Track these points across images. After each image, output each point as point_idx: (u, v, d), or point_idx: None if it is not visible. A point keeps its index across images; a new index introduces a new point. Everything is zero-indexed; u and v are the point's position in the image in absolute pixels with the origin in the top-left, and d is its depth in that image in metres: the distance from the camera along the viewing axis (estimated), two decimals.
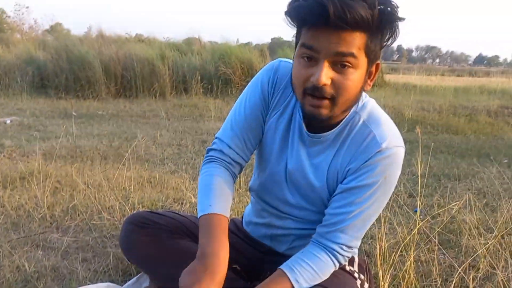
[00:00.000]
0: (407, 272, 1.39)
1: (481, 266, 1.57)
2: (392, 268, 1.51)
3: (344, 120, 1.08)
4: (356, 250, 1.32)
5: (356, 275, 1.21)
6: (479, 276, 1.53)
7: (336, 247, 1.10)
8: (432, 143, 4.93)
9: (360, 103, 1.09)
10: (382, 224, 1.54)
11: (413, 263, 1.52)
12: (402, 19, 0.94)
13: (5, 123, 4.65)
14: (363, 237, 1.96)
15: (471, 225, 1.93)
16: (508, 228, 1.83)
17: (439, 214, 2.25)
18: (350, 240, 1.11)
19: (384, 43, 0.97)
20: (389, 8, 0.92)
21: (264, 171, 1.23)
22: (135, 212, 1.42)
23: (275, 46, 14.03)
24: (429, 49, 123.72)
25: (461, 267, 1.47)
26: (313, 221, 1.17)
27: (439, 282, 1.51)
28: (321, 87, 0.95)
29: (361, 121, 1.08)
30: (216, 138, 1.21)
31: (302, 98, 1.01)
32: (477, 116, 6.77)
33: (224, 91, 8.10)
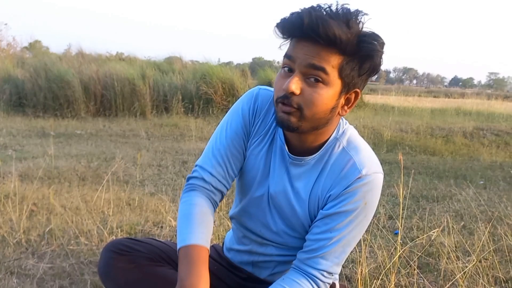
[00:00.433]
0: None
1: None
2: None
3: (324, 146, 1.09)
4: (337, 276, 1.33)
5: None
6: None
7: (316, 273, 1.10)
8: (411, 164, 5.05)
9: (341, 130, 1.11)
10: (363, 249, 1.55)
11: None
12: (382, 52, 0.97)
13: None
14: (344, 261, 1.97)
15: (449, 248, 1.96)
16: (486, 253, 1.86)
17: (418, 237, 2.27)
18: (330, 266, 1.11)
19: (364, 73, 0.99)
20: (372, 41, 0.95)
21: (246, 196, 1.22)
22: (114, 239, 1.39)
23: (256, 66, 14.16)
24: (406, 70, 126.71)
25: None
26: (295, 247, 1.17)
27: None
28: (289, 94, 0.97)
29: (340, 147, 1.10)
30: (196, 165, 1.20)
31: (276, 106, 1.03)
32: (454, 137, 6.93)
33: (205, 111, 8.11)
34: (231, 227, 1.39)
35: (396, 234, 2.55)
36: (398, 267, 1.75)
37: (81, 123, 6.64)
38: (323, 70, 0.95)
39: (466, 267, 1.69)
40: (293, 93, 0.97)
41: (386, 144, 6.34)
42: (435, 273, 1.86)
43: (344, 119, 1.12)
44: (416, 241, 2.13)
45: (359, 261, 1.62)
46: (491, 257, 1.79)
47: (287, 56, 1.00)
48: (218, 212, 2.56)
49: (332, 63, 0.95)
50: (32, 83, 7.06)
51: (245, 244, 1.29)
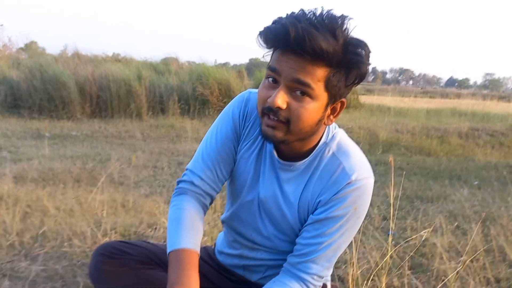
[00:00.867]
0: None
1: None
2: None
3: (314, 151, 1.09)
4: (328, 276, 1.33)
5: None
6: None
7: (307, 277, 1.11)
8: (406, 165, 5.06)
9: (330, 134, 1.11)
10: (354, 250, 1.55)
11: None
12: (369, 63, 0.96)
13: None
14: (337, 262, 1.98)
15: (441, 249, 1.97)
16: (477, 253, 1.87)
17: (412, 238, 2.28)
18: (321, 270, 1.11)
19: (351, 83, 0.98)
20: (358, 50, 0.94)
21: (237, 201, 1.23)
22: (105, 242, 1.39)
23: (253, 67, 14.18)
24: (403, 71, 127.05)
25: None
26: (286, 251, 1.17)
27: None
28: (275, 109, 0.96)
29: (330, 153, 1.10)
30: (186, 169, 1.20)
31: (261, 118, 1.02)
32: (449, 137, 6.95)
33: (201, 112, 8.11)
34: (223, 232, 1.39)
35: (392, 235, 2.56)
36: (390, 268, 1.76)
37: (77, 124, 6.62)
38: (309, 85, 0.94)
39: (458, 267, 1.70)
40: (279, 108, 0.96)
41: (382, 145, 6.36)
42: (428, 273, 1.87)
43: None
44: (408, 241, 2.14)
45: (351, 263, 1.63)
46: (482, 258, 1.80)
47: (271, 68, 0.98)
48: (213, 214, 2.56)
49: (318, 77, 0.94)
50: (28, 84, 7.04)
51: (236, 248, 1.30)
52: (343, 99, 1.02)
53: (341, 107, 1.04)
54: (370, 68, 0.99)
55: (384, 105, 11.92)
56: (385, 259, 1.49)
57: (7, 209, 2.30)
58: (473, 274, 1.74)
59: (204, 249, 1.45)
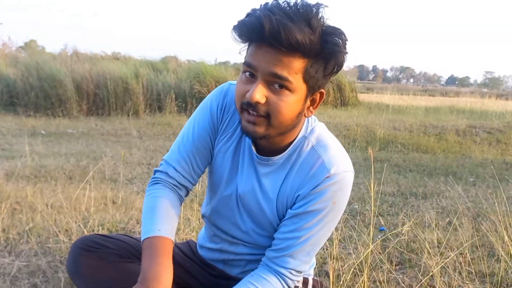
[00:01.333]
0: None
1: (436, 286, 1.58)
2: None
3: (292, 145, 1.08)
4: (311, 271, 1.32)
5: None
6: None
7: (285, 271, 1.09)
8: (403, 162, 5.05)
9: (309, 127, 1.10)
10: (335, 245, 1.54)
11: (371, 283, 1.52)
12: (346, 52, 0.94)
13: None
14: (326, 257, 1.96)
15: (430, 244, 1.95)
16: (462, 248, 1.85)
17: (402, 234, 2.27)
18: (298, 265, 1.10)
19: (329, 73, 0.96)
20: (335, 39, 0.91)
21: (215, 195, 1.21)
22: (83, 235, 1.37)
23: None
24: (403, 69, 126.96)
25: (417, 287, 1.47)
26: (265, 246, 1.16)
27: None
28: (254, 104, 0.94)
29: (309, 146, 1.08)
30: (163, 160, 1.19)
31: (240, 113, 1.00)
32: (446, 135, 6.93)
33: None
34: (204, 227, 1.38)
35: (382, 230, 2.54)
36: (377, 263, 1.75)
37: (73, 122, 6.61)
38: (287, 79, 0.92)
39: (444, 263, 1.68)
40: (258, 102, 0.94)
41: (379, 142, 6.34)
42: (416, 268, 1.85)
43: (312, 115, 1.10)
44: (400, 236, 2.12)
45: (332, 258, 1.61)
46: (469, 253, 1.78)
47: (247, 63, 0.95)
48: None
49: (295, 69, 0.92)
50: (24, 82, 7.03)
51: (216, 242, 1.29)
52: (322, 90, 1.00)
53: (321, 98, 1.02)
54: (347, 56, 0.96)
55: (382, 103, 11.90)
56: (366, 253, 1.47)
57: None
58: (460, 269, 1.72)
59: (187, 244, 1.44)
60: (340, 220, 1.10)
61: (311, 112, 1.03)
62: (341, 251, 2.03)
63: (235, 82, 1.17)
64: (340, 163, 1.06)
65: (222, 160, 1.17)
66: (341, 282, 1.37)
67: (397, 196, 3.43)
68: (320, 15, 0.91)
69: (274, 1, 0.91)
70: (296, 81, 0.93)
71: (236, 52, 0.99)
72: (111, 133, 5.93)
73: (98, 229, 2.12)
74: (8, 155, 4.00)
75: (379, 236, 2.24)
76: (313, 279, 1.29)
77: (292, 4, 0.90)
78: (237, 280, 1.13)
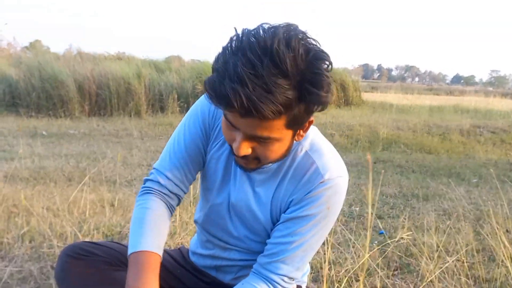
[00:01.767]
0: None
1: None
2: None
3: None
4: (304, 279, 1.29)
5: None
6: None
7: (277, 278, 1.06)
8: (405, 163, 5.00)
9: None
10: (328, 252, 1.51)
11: None
12: (329, 91, 0.86)
13: None
14: (323, 262, 1.93)
15: (429, 249, 1.92)
16: (460, 253, 1.81)
17: (402, 238, 2.23)
18: (291, 271, 1.07)
19: (313, 112, 0.89)
20: (316, 82, 0.83)
21: (207, 202, 1.19)
22: (72, 243, 1.35)
23: None
24: (408, 68, 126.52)
25: None
26: (258, 252, 1.13)
27: None
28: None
29: (303, 151, 1.05)
30: (153, 168, 1.16)
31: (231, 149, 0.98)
32: (450, 135, 6.88)
33: None
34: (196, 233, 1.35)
35: (381, 234, 2.51)
36: (374, 269, 1.71)
37: (75, 122, 6.61)
38: (269, 138, 0.89)
39: (442, 268, 1.65)
40: (245, 154, 0.93)
41: (382, 143, 6.30)
42: (415, 273, 1.82)
43: None
44: (399, 240, 2.08)
45: (328, 262, 1.58)
46: (469, 257, 1.74)
47: (226, 118, 0.90)
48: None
49: (277, 126, 0.86)
50: (26, 82, 7.04)
51: (209, 248, 1.26)
52: (311, 119, 0.94)
53: (310, 124, 0.96)
54: (331, 94, 0.86)
55: (386, 102, 11.84)
56: (362, 260, 1.44)
57: None
58: (459, 274, 1.68)
59: (179, 251, 1.41)
60: (338, 223, 1.07)
61: (302, 136, 0.99)
62: (338, 256, 2.00)
63: None
64: (334, 168, 1.03)
65: (215, 167, 1.14)
66: None
67: (398, 197, 3.39)
68: (297, 51, 0.81)
69: (238, 64, 0.80)
70: (280, 133, 0.89)
71: None
72: (112, 134, 5.92)
73: (94, 233, 2.10)
74: (8, 157, 4.00)
75: (376, 241, 2.21)
76: (307, 287, 1.26)
77: (260, 47, 0.80)
78: (229, 286, 1.10)
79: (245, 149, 0.92)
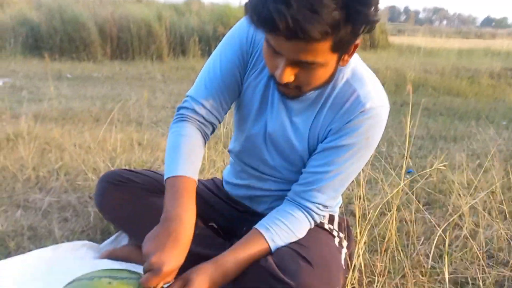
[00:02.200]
0: (389, 230, 1.37)
1: (465, 225, 1.55)
2: (375, 228, 1.49)
3: None
4: (336, 209, 1.30)
5: (334, 233, 1.19)
6: (462, 234, 1.50)
7: (312, 206, 1.07)
8: (433, 105, 4.89)
9: None
10: (362, 183, 1.51)
11: (398, 223, 1.50)
12: (376, 10, 0.82)
13: None
14: (351, 198, 1.95)
15: (460, 185, 1.90)
16: (492, 187, 1.80)
17: (431, 175, 2.22)
18: (326, 200, 1.08)
19: (359, 34, 0.85)
20: (361, 7, 0.79)
21: (243, 132, 1.18)
22: (111, 170, 1.38)
23: None
24: (436, 10, 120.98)
25: (443, 226, 1.45)
26: (294, 181, 1.13)
27: (422, 241, 1.50)
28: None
29: (344, 79, 1.02)
30: (187, 96, 1.14)
31: (272, 77, 0.96)
32: (479, 78, 6.65)
33: None
34: (229, 163, 1.36)
35: (410, 172, 2.50)
36: (404, 203, 1.72)
37: (98, 66, 6.62)
38: (314, 62, 0.85)
39: (474, 202, 1.64)
40: (288, 81, 0.90)
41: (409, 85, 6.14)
42: (444, 209, 1.82)
43: None
44: (428, 178, 2.08)
45: (359, 196, 1.59)
46: (500, 193, 1.73)
47: (268, 44, 0.87)
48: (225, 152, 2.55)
49: (322, 49, 0.83)
50: (48, 25, 7.00)
51: (243, 178, 1.27)
52: (357, 43, 0.90)
53: (355, 47, 0.92)
54: (378, 10, 0.83)
55: (414, 45, 11.43)
56: (396, 190, 1.44)
57: (25, 146, 2.34)
58: (489, 209, 1.68)
59: (211, 181, 1.43)
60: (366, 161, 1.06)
61: (346, 61, 0.95)
62: (366, 192, 2.01)
63: None
64: (376, 97, 1.00)
65: (252, 96, 1.12)
66: (367, 221, 1.36)
67: (426, 139, 3.34)
68: None
69: None
70: (325, 57, 0.86)
71: None
72: (135, 77, 5.92)
73: (126, 168, 2.15)
74: (36, 98, 4.06)
75: (407, 177, 2.21)
76: (339, 216, 1.28)
77: None
78: (263, 216, 1.12)
79: (289, 76, 0.89)
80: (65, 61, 6.72)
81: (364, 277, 1.26)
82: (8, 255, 1.34)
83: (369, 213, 1.54)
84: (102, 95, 4.46)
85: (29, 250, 1.33)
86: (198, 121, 1.13)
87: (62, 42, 6.98)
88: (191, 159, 1.06)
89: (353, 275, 1.20)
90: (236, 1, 12.39)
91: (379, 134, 1.04)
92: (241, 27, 1.10)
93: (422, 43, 12.47)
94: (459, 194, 1.80)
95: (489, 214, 1.66)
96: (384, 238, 1.41)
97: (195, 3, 11.12)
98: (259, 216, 1.20)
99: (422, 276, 1.28)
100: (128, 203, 1.25)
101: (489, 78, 6.68)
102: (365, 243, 1.28)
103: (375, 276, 1.26)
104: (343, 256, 1.13)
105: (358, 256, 1.20)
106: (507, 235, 1.52)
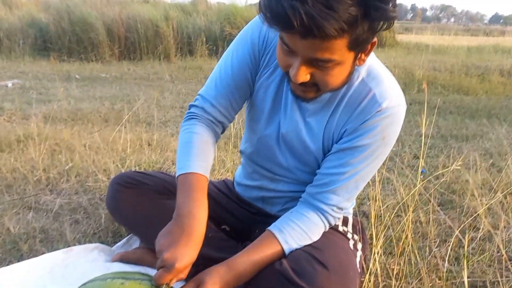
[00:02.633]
0: (405, 232, 1.34)
1: (481, 227, 1.52)
2: (389, 229, 1.47)
3: None
4: (350, 210, 1.28)
5: (349, 235, 1.17)
6: (479, 236, 1.48)
7: (326, 208, 1.06)
8: (443, 104, 4.84)
9: None
10: (377, 184, 1.49)
11: (412, 224, 1.48)
12: (394, 5, 0.79)
13: (7, 86, 4.61)
14: (363, 198, 1.92)
15: (474, 185, 1.87)
16: (510, 188, 1.76)
17: (443, 175, 2.19)
18: (341, 201, 1.06)
19: (377, 31, 0.83)
20: (380, 4, 0.76)
21: (255, 133, 1.16)
22: (121, 172, 1.37)
23: None
24: (444, 8, 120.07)
25: (460, 228, 1.42)
26: (307, 182, 1.11)
27: (437, 243, 1.47)
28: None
29: (359, 79, 1.00)
30: (198, 95, 1.14)
31: (287, 77, 0.93)
32: (490, 76, 6.57)
33: None
34: (241, 164, 1.35)
35: (422, 172, 2.46)
36: (418, 204, 1.69)
37: (106, 66, 6.64)
38: (330, 60, 0.83)
39: (490, 203, 1.61)
40: (304, 81, 0.87)
41: (418, 84, 6.08)
42: (458, 210, 1.79)
43: None
44: (440, 178, 2.05)
45: (373, 197, 1.56)
46: None
47: (283, 41, 0.85)
48: (235, 152, 2.53)
49: (338, 47, 0.80)
50: (56, 26, 7.03)
51: (255, 179, 1.25)
52: (374, 41, 0.88)
53: (372, 46, 0.89)
54: (396, 6, 0.80)
55: (422, 43, 11.32)
56: (411, 192, 1.41)
57: (35, 147, 2.34)
58: (506, 210, 1.65)
59: (223, 182, 1.42)
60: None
61: (363, 60, 0.92)
62: (378, 192, 1.98)
63: None
64: (393, 96, 0.98)
65: (264, 96, 1.10)
66: (383, 223, 1.33)
67: (436, 138, 3.30)
68: None
69: None
70: (341, 55, 0.83)
71: None
72: (143, 77, 5.93)
73: (135, 169, 2.14)
74: (45, 99, 4.07)
75: (420, 177, 2.18)
76: (353, 218, 1.26)
77: None
78: (275, 217, 1.10)
79: (304, 75, 0.86)
80: (73, 62, 6.75)
81: (379, 281, 1.23)
82: (20, 258, 1.33)
83: (383, 214, 1.52)
84: (110, 96, 4.46)
85: (42, 253, 1.32)
86: (208, 119, 1.12)
87: (71, 43, 7.00)
88: (203, 156, 1.05)
89: (369, 279, 1.18)
90: (243, 0, 12.39)
91: (396, 134, 1.02)
92: (254, 27, 1.08)
93: (430, 41, 12.37)
94: (474, 195, 1.77)
95: (506, 215, 1.63)
96: (399, 240, 1.39)
97: (202, 3, 11.12)
98: (272, 217, 1.19)
99: (439, 280, 1.25)
100: (140, 206, 1.24)
101: (500, 75, 6.60)
102: (381, 247, 1.26)
103: (391, 280, 1.23)
104: (358, 259, 1.11)
105: (375, 261, 1.18)
106: None
